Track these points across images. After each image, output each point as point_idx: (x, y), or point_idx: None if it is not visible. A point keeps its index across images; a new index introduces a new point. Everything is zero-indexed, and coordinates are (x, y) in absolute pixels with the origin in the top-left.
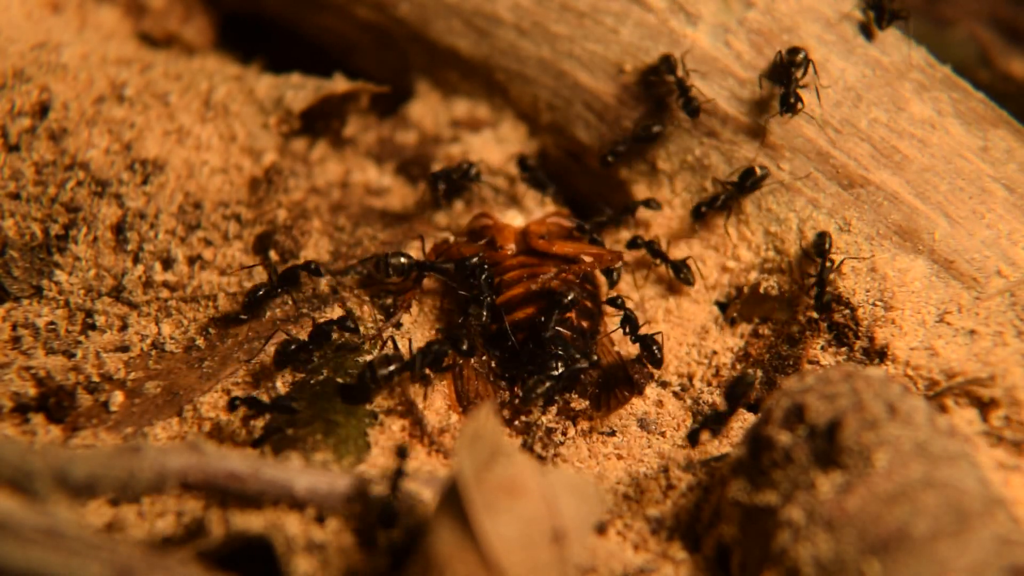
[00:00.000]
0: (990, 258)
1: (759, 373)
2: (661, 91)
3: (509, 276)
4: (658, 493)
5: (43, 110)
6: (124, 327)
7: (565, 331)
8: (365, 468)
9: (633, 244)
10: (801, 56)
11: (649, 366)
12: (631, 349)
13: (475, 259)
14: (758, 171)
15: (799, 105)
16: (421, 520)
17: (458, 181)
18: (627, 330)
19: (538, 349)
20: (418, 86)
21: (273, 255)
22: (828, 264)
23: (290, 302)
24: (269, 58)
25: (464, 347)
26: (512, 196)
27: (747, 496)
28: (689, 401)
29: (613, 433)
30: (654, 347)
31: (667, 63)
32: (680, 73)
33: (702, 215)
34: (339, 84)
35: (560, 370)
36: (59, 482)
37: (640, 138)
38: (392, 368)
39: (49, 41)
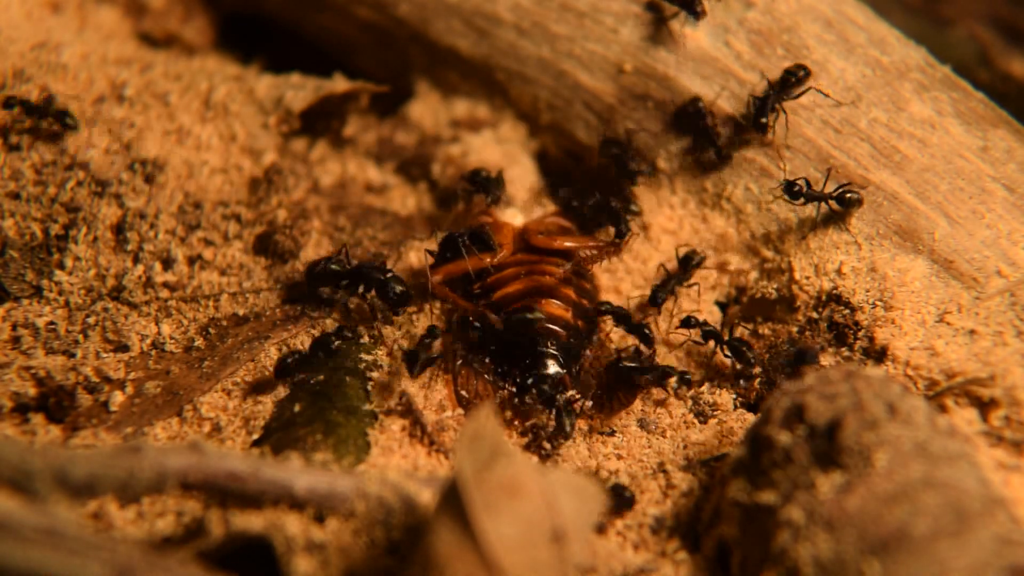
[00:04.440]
0: (990, 258)
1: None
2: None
3: (506, 273)
4: (658, 493)
5: None
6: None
7: (560, 330)
8: (365, 468)
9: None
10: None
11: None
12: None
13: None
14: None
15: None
16: (421, 520)
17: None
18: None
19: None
20: (418, 86)
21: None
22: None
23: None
24: (269, 58)
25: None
26: (510, 196)
27: (747, 496)
28: (689, 402)
29: (613, 433)
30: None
31: (695, 105)
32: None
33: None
34: (339, 84)
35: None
36: (59, 482)
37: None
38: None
39: (49, 41)
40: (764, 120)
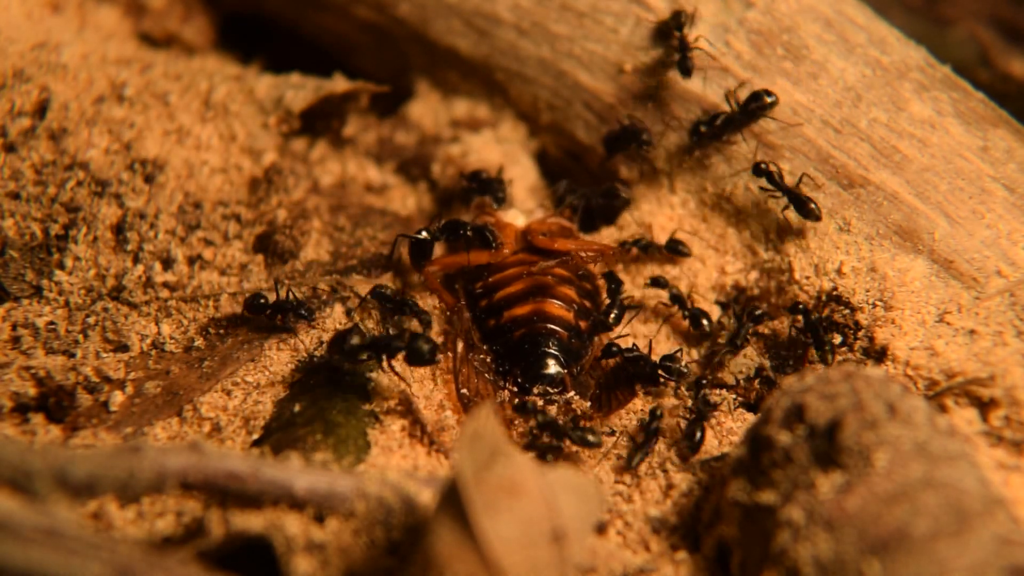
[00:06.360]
0: (990, 258)
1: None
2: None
3: (508, 273)
4: (658, 493)
5: (43, 110)
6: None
7: (562, 331)
8: (365, 468)
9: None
10: (684, 17)
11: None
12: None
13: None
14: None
15: (691, 66)
16: (421, 520)
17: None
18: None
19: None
20: (418, 86)
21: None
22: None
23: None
24: (269, 58)
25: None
26: (511, 196)
27: (747, 496)
28: (690, 401)
29: (613, 433)
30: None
31: (677, 19)
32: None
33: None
34: (339, 84)
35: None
36: (59, 482)
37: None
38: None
39: (49, 41)
40: (704, 129)
